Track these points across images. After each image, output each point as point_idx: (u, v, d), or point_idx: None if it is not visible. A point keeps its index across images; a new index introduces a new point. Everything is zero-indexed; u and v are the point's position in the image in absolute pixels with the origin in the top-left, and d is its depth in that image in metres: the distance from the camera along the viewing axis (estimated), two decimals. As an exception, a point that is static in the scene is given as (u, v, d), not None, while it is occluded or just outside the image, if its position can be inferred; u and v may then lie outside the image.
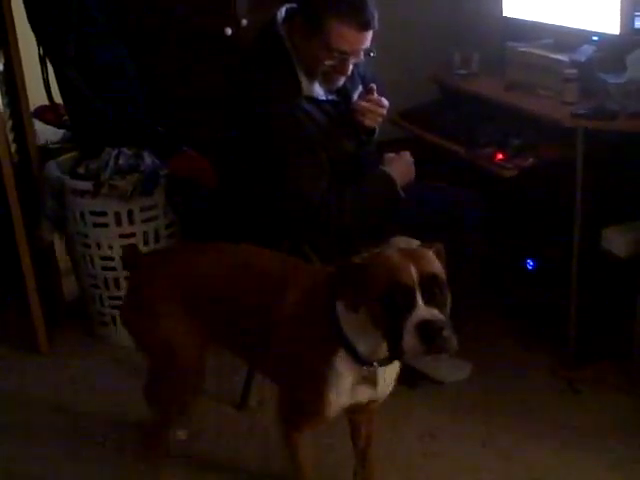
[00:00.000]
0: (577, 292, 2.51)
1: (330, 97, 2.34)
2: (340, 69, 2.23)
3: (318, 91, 2.29)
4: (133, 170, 2.73)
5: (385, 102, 2.35)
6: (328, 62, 2.20)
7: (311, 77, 2.26)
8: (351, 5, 2.14)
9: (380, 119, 2.37)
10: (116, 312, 2.83)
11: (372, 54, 2.25)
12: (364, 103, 2.33)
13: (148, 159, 2.77)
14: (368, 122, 2.34)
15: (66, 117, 3.11)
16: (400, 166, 2.39)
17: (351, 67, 2.24)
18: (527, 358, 2.68)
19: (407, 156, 2.42)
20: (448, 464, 2.25)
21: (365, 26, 2.15)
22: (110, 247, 2.73)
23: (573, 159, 2.39)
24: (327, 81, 2.28)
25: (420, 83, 3.08)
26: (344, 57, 2.19)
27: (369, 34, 2.18)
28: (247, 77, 2.31)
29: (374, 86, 2.35)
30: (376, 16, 2.17)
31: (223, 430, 2.43)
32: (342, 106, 2.37)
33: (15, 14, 2.79)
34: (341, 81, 2.30)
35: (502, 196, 2.75)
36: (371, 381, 1.79)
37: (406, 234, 2.36)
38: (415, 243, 2.35)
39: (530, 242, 2.80)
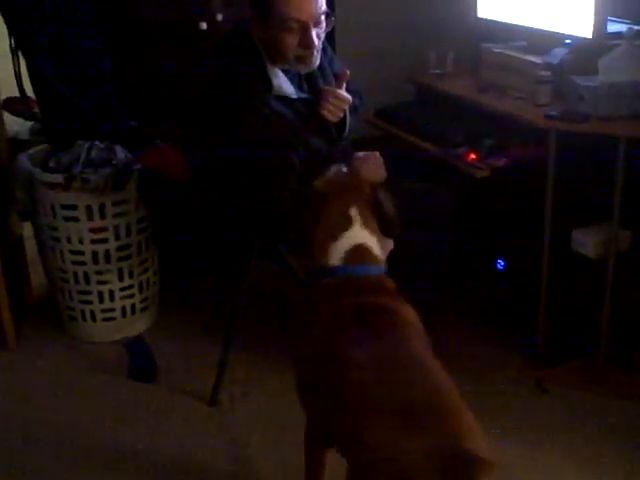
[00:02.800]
0: (546, 292, 2.54)
1: (302, 95, 2.33)
2: (306, 42, 2.19)
3: (289, 89, 2.28)
4: (105, 164, 2.70)
5: (345, 96, 2.32)
6: (291, 39, 2.17)
7: (281, 66, 2.24)
8: None
9: (340, 114, 2.33)
10: (85, 307, 2.82)
11: (332, 17, 2.23)
12: (324, 94, 2.30)
13: (120, 153, 2.75)
14: (327, 115, 2.31)
15: (35, 109, 3.08)
16: (370, 166, 2.38)
17: (317, 41, 2.19)
18: (496, 358, 2.69)
19: (377, 156, 2.41)
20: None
21: None
22: (81, 241, 2.71)
23: (545, 160, 2.42)
24: (301, 63, 2.25)
25: (396, 82, 3.08)
26: (304, 27, 2.16)
27: None
28: (218, 76, 2.29)
29: (347, 72, 2.32)
30: None
31: (193, 427, 2.41)
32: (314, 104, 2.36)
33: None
34: (314, 59, 2.25)
35: (474, 196, 2.77)
36: None
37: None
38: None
39: (501, 242, 2.82)
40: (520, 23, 2.82)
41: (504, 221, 2.80)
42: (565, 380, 2.55)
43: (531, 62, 2.65)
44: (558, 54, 2.61)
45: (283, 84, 2.26)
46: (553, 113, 2.41)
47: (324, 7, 2.19)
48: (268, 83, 2.24)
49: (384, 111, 2.95)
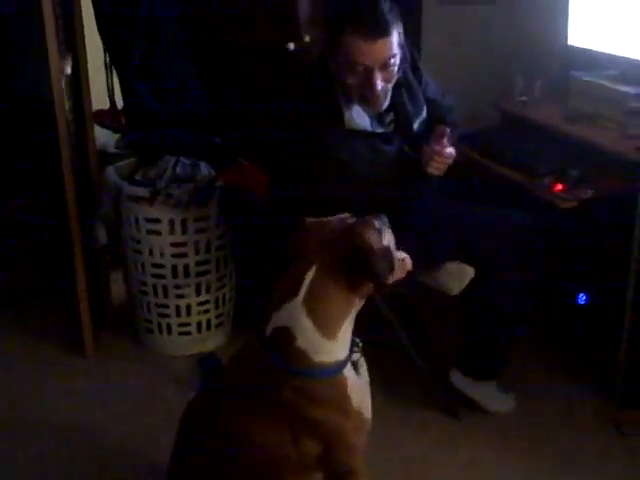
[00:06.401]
0: (629, 330, 2.45)
1: (379, 130, 2.29)
2: (368, 85, 2.15)
3: (363, 123, 2.24)
4: (189, 180, 2.75)
5: (450, 153, 2.27)
6: (354, 80, 2.15)
7: (351, 103, 2.22)
8: (358, 16, 2.09)
9: (444, 168, 2.29)
10: (162, 320, 2.86)
11: (405, 63, 2.21)
12: (430, 151, 2.26)
13: (204, 169, 2.80)
14: (431, 170, 2.27)
15: (123, 122, 3.15)
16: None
17: (381, 84, 2.15)
18: (573, 395, 2.61)
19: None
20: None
21: (374, 36, 2.08)
22: (162, 254, 2.75)
23: (634, 193, 2.34)
24: (365, 103, 2.22)
25: (481, 108, 3.05)
26: (368, 71, 2.13)
27: (384, 42, 2.10)
28: (293, 107, 2.29)
29: (447, 130, 2.27)
30: (392, 23, 2.10)
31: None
32: (395, 138, 2.31)
33: (84, 18, 2.86)
34: (381, 100, 2.22)
35: (556, 226, 2.70)
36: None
37: (463, 258, 2.33)
38: (469, 270, 2.33)
39: (584, 276, 2.74)
40: (612, 52, 2.76)
41: (588, 254, 2.73)
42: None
43: (623, 92, 2.59)
44: (652, 85, 2.54)
45: (356, 116, 2.23)
46: (645, 145, 2.34)
47: (394, 50, 2.13)
48: (340, 117, 2.21)
49: (468, 137, 2.90)
